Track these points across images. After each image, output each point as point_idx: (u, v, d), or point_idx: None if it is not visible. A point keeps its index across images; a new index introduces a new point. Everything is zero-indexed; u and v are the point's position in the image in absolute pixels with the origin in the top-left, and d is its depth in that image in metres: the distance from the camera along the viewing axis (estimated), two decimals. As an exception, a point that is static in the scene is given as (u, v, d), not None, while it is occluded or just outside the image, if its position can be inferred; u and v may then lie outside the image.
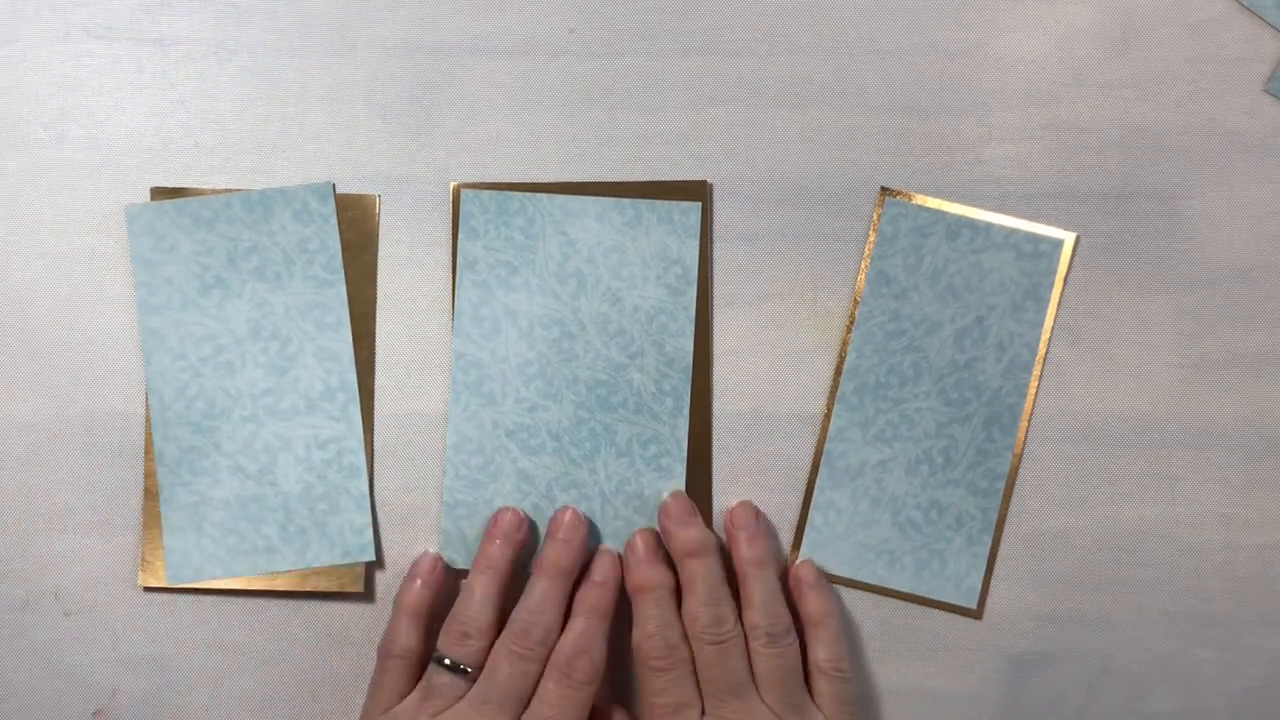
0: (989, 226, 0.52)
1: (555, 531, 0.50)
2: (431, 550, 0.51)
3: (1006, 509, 0.53)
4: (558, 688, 0.47)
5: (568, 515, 0.50)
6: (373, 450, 0.52)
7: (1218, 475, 0.53)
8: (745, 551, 0.50)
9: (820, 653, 0.50)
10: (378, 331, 0.52)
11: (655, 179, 0.52)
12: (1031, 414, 0.53)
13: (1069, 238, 0.52)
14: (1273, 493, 0.53)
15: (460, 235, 0.52)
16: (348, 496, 0.52)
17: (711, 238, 0.52)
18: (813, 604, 0.50)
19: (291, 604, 0.52)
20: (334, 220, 0.52)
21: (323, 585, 0.52)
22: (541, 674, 0.48)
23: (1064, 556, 0.53)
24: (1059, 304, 0.52)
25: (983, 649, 0.53)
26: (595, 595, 0.50)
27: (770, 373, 0.53)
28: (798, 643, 0.49)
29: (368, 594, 0.52)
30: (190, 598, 0.52)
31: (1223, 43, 0.53)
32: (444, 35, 0.52)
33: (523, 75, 0.53)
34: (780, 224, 0.53)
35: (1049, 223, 0.52)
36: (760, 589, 0.49)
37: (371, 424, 0.52)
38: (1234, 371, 0.53)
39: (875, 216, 0.52)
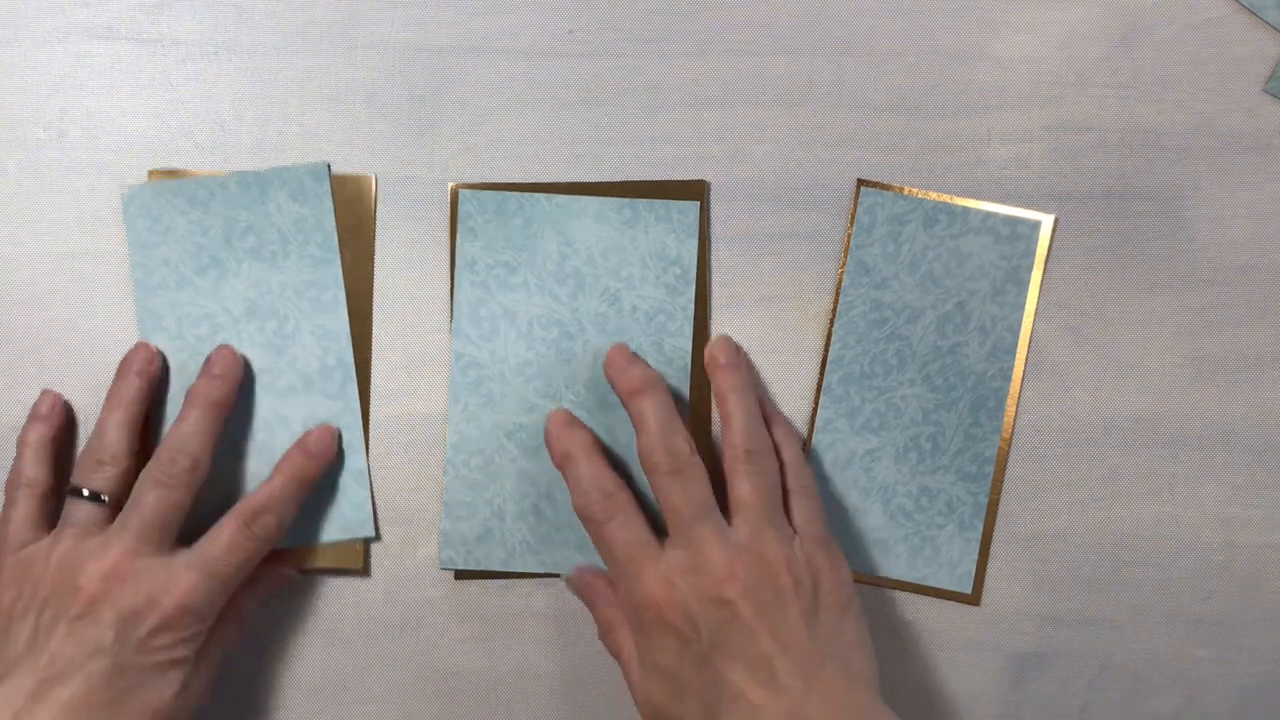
0: (966, 211, 0.52)
1: (210, 367, 0.49)
2: (53, 390, 0.51)
3: (999, 494, 0.53)
4: (233, 534, 0.47)
5: (223, 350, 0.50)
6: (369, 439, 0.52)
7: (1218, 475, 0.53)
8: (724, 378, 0.49)
9: (789, 477, 0.48)
10: (375, 334, 0.52)
11: (654, 179, 0.52)
12: (1019, 397, 0.53)
13: (1047, 220, 0.52)
14: (1273, 493, 0.53)
15: (459, 235, 0.52)
16: (346, 474, 0.52)
17: (710, 237, 0.52)
18: (777, 429, 0.50)
19: (290, 605, 0.52)
20: (329, 199, 0.52)
21: (322, 562, 0.52)
22: (190, 504, 0.47)
23: (1064, 556, 0.53)
24: (1041, 287, 0.52)
25: (983, 648, 0.53)
26: (300, 461, 0.49)
27: (771, 373, 0.53)
28: (778, 465, 0.48)
29: (367, 570, 0.52)
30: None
31: (1223, 43, 0.53)
32: (444, 35, 0.52)
33: (523, 75, 0.52)
34: (780, 225, 0.53)
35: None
36: (740, 411, 0.48)
37: (368, 403, 0.52)
38: (1234, 371, 0.53)
39: (852, 207, 0.52)
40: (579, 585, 0.50)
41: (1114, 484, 0.53)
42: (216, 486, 0.51)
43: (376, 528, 0.52)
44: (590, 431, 0.49)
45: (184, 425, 0.48)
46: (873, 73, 0.52)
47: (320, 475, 0.50)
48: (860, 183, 0.52)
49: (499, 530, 0.52)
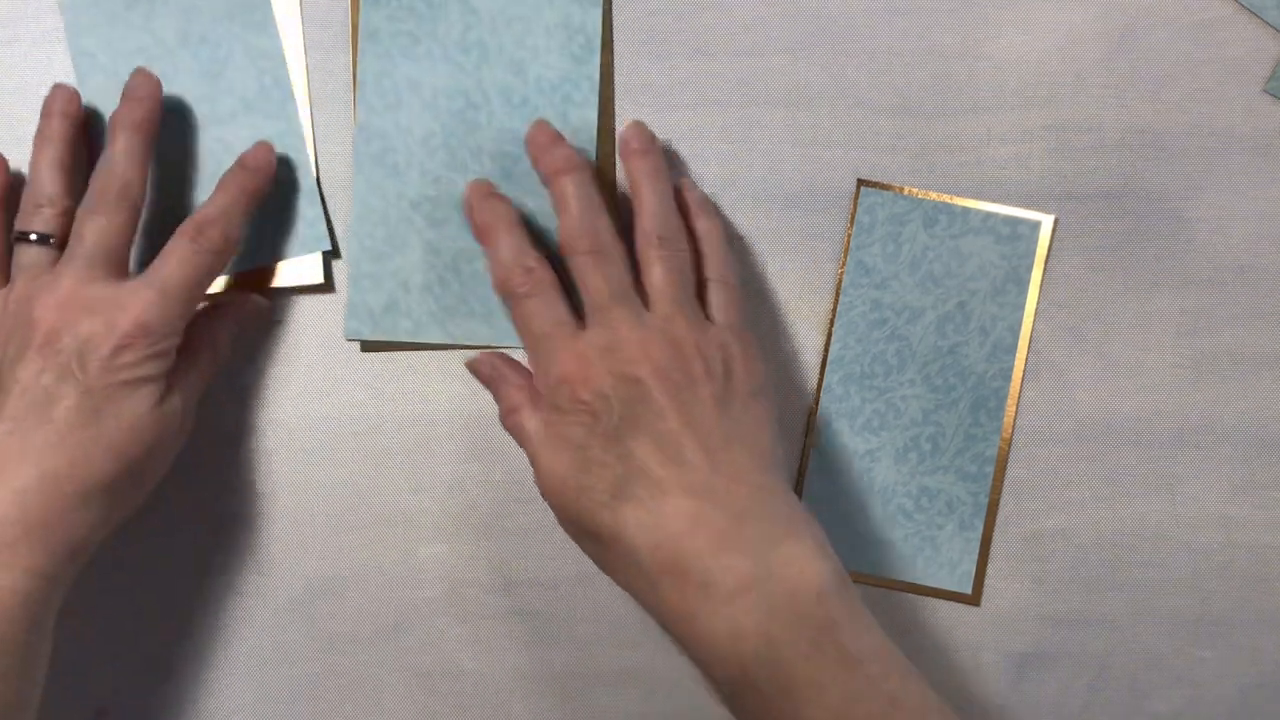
0: (966, 211, 0.52)
1: (128, 92, 0.49)
2: None
3: (998, 494, 0.53)
4: (182, 249, 0.47)
5: (139, 74, 0.49)
6: (318, 156, 0.52)
7: (1218, 475, 0.53)
8: (638, 163, 0.49)
9: (707, 267, 0.49)
10: (308, 52, 0.52)
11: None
12: (1019, 397, 0.53)
13: (1047, 220, 0.52)
14: (1273, 493, 0.53)
15: (362, 5, 0.51)
16: (296, 191, 0.52)
17: (612, 9, 0.52)
18: (699, 220, 0.50)
19: (290, 608, 0.52)
20: None
21: (284, 281, 0.52)
22: (132, 228, 0.47)
23: (1064, 556, 0.53)
24: (1041, 287, 0.52)
25: (983, 649, 0.53)
26: (240, 175, 0.49)
27: (772, 373, 0.53)
28: (690, 250, 0.48)
29: (328, 284, 0.52)
30: (186, 590, 0.52)
31: (1223, 43, 0.53)
32: (444, 35, 0.52)
33: (523, 75, 0.52)
34: (780, 225, 0.53)
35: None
36: (652, 196, 0.48)
37: (311, 121, 0.52)
38: (1234, 371, 0.53)
39: (852, 207, 0.52)
40: (483, 368, 0.50)
41: (1114, 484, 0.53)
42: (168, 219, 0.50)
43: (333, 241, 0.52)
44: (511, 204, 0.49)
45: (112, 151, 0.47)
46: (872, 73, 0.52)
47: (263, 190, 0.50)
48: (860, 183, 0.52)
49: (404, 301, 0.52)
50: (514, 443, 0.53)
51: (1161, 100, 0.53)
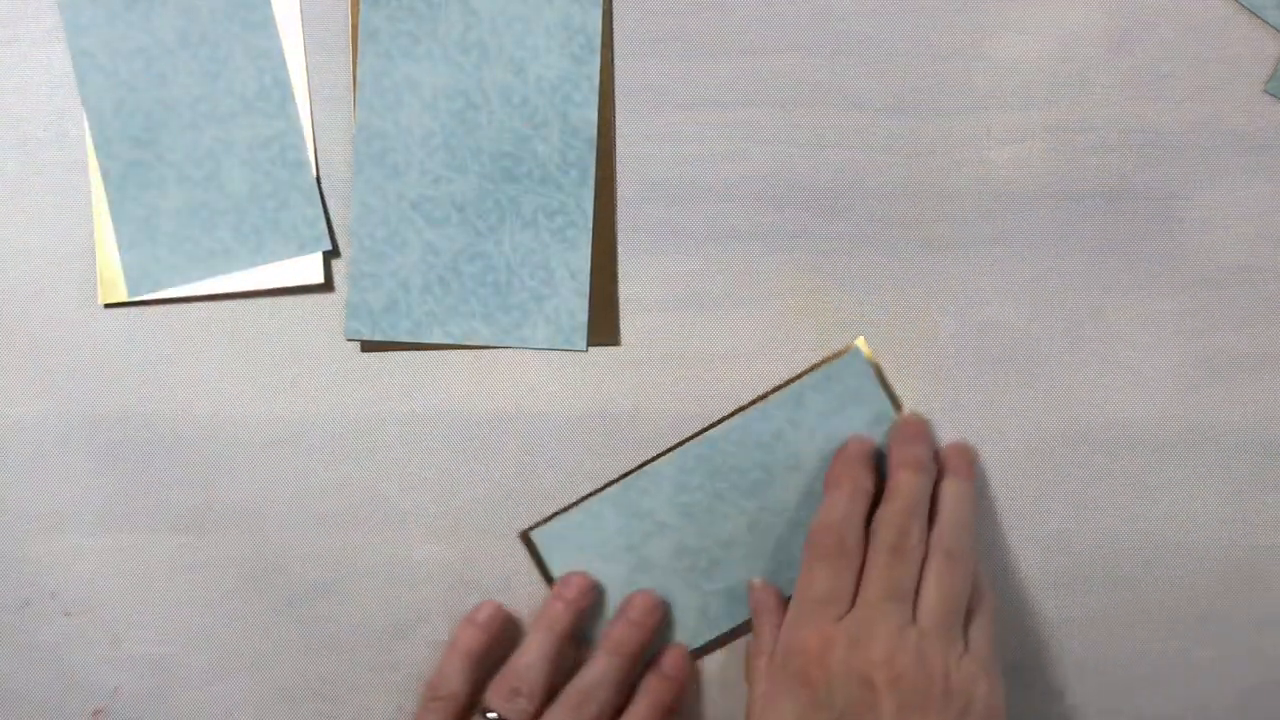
0: None
1: (628, 611, 0.50)
2: (495, 601, 0.51)
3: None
4: None
5: (644, 598, 0.50)
6: (318, 154, 0.52)
7: (1218, 476, 0.53)
8: (952, 484, 0.49)
9: (973, 596, 0.48)
10: (308, 52, 0.52)
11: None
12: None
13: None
14: (1273, 493, 0.53)
15: (362, 5, 0.51)
16: (296, 191, 0.52)
17: (613, 10, 0.52)
18: (950, 483, 0.50)
19: (289, 608, 0.52)
20: None
21: (284, 281, 0.52)
22: None
23: (1064, 557, 0.53)
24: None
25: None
26: (662, 689, 0.49)
27: (768, 372, 0.53)
28: (971, 579, 0.48)
29: (328, 284, 0.52)
30: (184, 575, 0.52)
31: (1223, 43, 0.52)
32: (444, 35, 0.52)
33: (522, 75, 0.52)
34: (778, 224, 0.53)
35: (1049, 222, 0.52)
36: (955, 513, 0.48)
37: (312, 125, 0.52)
38: (1234, 372, 0.53)
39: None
40: (757, 596, 0.50)
41: (1113, 484, 0.53)
42: (171, 219, 0.50)
43: (333, 241, 0.52)
44: (875, 479, 0.49)
45: (593, 670, 0.48)
46: (871, 73, 0.52)
47: (681, 699, 0.50)
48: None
49: (404, 301, 0.52)
50: (513, 443, 0.53)
51: (1162, 100, 0.53)
